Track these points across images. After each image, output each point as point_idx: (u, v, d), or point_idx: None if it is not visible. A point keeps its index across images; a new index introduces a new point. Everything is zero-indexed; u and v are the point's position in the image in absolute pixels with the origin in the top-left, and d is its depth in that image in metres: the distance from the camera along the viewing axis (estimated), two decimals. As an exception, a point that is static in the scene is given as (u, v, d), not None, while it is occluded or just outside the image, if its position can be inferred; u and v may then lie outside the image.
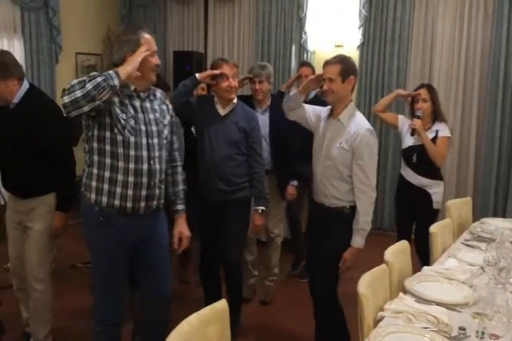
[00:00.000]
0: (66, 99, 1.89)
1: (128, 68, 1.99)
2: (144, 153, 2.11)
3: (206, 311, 1.53)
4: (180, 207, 2.36)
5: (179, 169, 2.40)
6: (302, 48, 5.60)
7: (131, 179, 2.08)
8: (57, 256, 2.88)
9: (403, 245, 2.33)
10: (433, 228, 2.60)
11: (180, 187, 2.38)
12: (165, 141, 2.23)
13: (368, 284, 1.83)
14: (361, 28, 5.25)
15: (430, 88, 3.26)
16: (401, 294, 1.96)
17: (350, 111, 2.45)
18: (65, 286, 3.60)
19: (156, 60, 2.18)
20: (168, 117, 2.28)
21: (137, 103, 2.16)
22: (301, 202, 3.94)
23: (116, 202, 2.09)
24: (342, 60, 2.40)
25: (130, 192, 2.09)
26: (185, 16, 6.38)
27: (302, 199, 3.89)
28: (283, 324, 3.29)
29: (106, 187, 2.07)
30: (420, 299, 1.95)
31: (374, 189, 2.41)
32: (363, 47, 5.30)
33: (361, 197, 2.39)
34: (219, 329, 1.56)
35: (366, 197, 2.39)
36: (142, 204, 2.13)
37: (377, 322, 1.79)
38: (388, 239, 4.43)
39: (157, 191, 2.18)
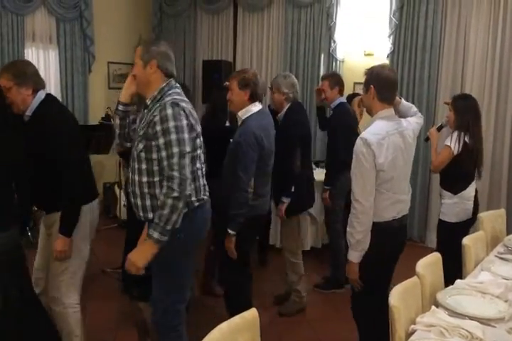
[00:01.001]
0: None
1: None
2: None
3: (237, 320, 1.54)
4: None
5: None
6: (331, 57, 5.60)
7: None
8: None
9: (435, 257, 2.28)
10: (466, 240, 2.54)
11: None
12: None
13: (399, 296, 1.80)
14: (391, 37, 5.22)
15: (454, 98, 3.31)
16: (433, 307, 1.91)
17: (371, 123, 2.39)
18: (95, 291, 3.67)
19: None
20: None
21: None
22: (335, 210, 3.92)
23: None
24: (367, 72, 2.40)
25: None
26: (214, 26, 6.46)
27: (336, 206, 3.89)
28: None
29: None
30: (453, 313, 1.90)
31: (357, 200, 2.25)
32: (393, 55, 5.26)
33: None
34: (249, 338, 1.56)
35: (352, 208, 2.30)
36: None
37: (409, 335, 1.76)
38: (417, 250, 4.42)
39: None
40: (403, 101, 2.58)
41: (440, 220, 3.29)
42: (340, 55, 5.58)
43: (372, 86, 2.33)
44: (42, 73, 2.55)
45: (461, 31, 4.92)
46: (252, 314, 1.59)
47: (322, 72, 5.60)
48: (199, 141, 2.17)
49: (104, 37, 6.12)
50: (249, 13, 6.16)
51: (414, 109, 2.61)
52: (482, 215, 3.09)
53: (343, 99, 3.93)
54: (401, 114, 2.49)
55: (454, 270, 2.77)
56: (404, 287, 1.88)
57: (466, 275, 2.44)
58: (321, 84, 3.97)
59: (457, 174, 3.17)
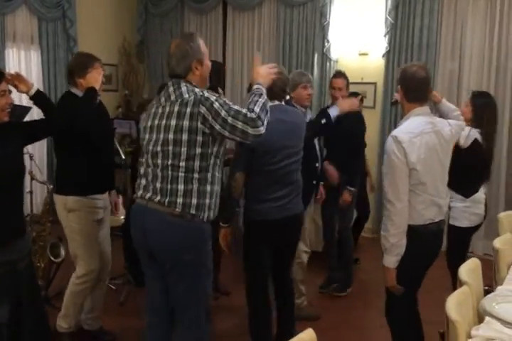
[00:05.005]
0: (262, 129, 1.99)
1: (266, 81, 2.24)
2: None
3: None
4: None
5: None
6: (325, 57, 5.49)
7: (218, 187, 2.15)
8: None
9: (475, 263, 2.17)
10: (497, 243, 2.44)
11: None
12: None
13: (456, 309, 1.68)
14: (387, 36, 5.14)
15: (474, 94, 3.24)
16: (487, 318, 1.80)
17: (404, 123, 2.29)
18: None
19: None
20: None
21: None
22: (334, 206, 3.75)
23: (215, 212, 2.16)
24: (399, 71, 2.36)
25: (217, 200, 2.16)
26: (203, 26, 6.28)
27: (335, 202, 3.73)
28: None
29: (213, 200, 2.13)
30: (507, 323, 1.79)
31: (389, 201, 2.17)
32: (388, 55, 5.18)
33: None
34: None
35: (384, 210, 2.22)
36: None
37: (468, 350, 1.64)
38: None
39: None
40: (444, 100, 2.48)
41: (451, 225, 3.12)
42: (334, 54, 5.47)
43: (399, 86, 2.30)
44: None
45: (457, 30, 4.88)
46: (309, 335, 1.44)
47: (316, 73, 5.49)
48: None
49: (87, 37, 5.88)
50: (239, 13, 6.01)
51: (456, 112, 2.52)
52: (501, 216, 3.01)
53: None
54: (441, 114, 2.39)
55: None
56: (458, 298, 1.76)
57: (500, 279, 2.34)
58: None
59: (470, 176, 3.04)
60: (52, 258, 3.34)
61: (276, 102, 2.59)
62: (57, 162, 2.92)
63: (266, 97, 2.07)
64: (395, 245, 2.17)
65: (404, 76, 2.27)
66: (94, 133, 2.69)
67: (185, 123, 1.99)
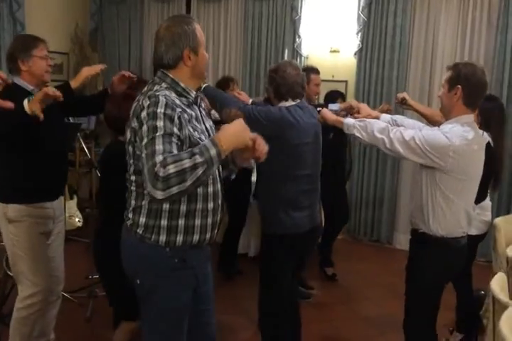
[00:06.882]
0: (159, 194, 1.44)
1: (232, 145, 1.55)
2: (215, 171, 1.73)
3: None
4: None
5: None
6: (295, 53, 5.31)
7: (210, 205, 1.70)
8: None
9: (503, 276, 2.06)
10: (498, 220, 2.38)
11: None
12: None
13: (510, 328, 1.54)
14: (359, 34, 5.04)
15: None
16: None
17: (449, 126, 2.11)
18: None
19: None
20: None
21: (196, 111, 1.77)
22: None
23: (195, 237, 1.70)
24: (455, 67, 2.12)
25: (209, 220, 1.71)
26: (164, 15, 5.90)
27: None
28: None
29: (182, 222, 1.68)
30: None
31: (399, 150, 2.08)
32: (360, 53, 5.09)
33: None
34: None
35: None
36: (216, 231, 1.78)
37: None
38: (386, 252, 4.31)
39: None
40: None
41: None
42: (305, 51, 5.31)
43: (460, 86, 2.07)
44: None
45: (429, 30, 4.87)
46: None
47: (285, 69, 5.30)
48: None
49: (36, 23, 5.34)
50: (204, 4, 5.69)
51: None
52: (497, 221, 2.94)
53: None
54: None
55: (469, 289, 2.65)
56: (507, 316, 1.62)
57: (497, 257, 2.27)
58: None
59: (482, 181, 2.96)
60: (8, 272, 2.93)
61: (291, 102, 2.40)
62: None
63: (207, 166, 1.48)
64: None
65: (471, 78, 2.07)
66: (34, 131, 2.20)
67: (127, 134, 1.68)
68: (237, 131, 1.56)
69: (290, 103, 2.38)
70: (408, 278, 2.23)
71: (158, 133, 1.51)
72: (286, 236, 2.32)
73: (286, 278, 2.41)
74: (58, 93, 2.04)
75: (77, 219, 4.76)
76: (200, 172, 1.45)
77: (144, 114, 1.56)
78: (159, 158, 1.45)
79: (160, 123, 1.53)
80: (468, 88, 2.06)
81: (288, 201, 2.31)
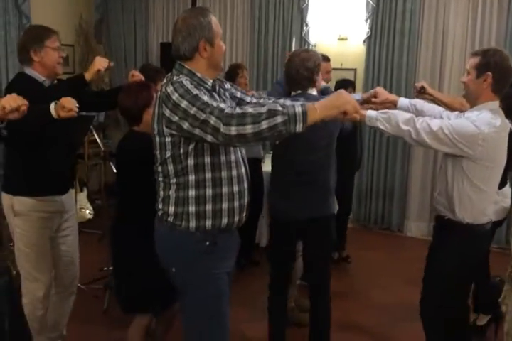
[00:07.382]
0: (233, 130, 1.50)
1: (327, 113, 1.54)
2: (238, 154, 1.79)
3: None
4: None
5: None
6: (303, 41, 5.25)
7: (236, 188, 1.74)
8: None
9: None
10: None
11: None
12: None
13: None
14: (368, 21, 4.97)
15: None
16: None
17: (475, 113, 2.07)
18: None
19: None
20: None
21: (216, 97, 1.79)
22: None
23: (224, 220, 1.76)
24: (484, 53, 2.07)
25: (236, 203, 1.76)
26: (169, 6, 5.85)
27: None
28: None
29: (209, 207, 1.73)
30: None
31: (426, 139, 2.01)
32: (369, 40, 5.02)
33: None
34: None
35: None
36: (244, 214, 1.82)
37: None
38: (397, 240, 4.25)
39: None
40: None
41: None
42: (312, 39, 5.26)
43: (490, 73, 2.04)
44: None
45: (440, 15, 4.79)
46: None
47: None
48: None
49: (42, 15, 5.30)
50: (210, -7, 5.64)
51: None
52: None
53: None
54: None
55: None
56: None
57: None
58: None
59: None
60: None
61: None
62: (4, 154, 2.48)
63: (287, 118, 1.50)
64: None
65: (501, 64, 2.04)
66: (51, 126, 2.17)
67: (154, 126, 1.72)
68: (339, 104, 1.56)
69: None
70: (431, 266, 2.21)
71: (202, 100, 1.58)
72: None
73: None
74: (75, 108, 2.05)
75: (87, 211, 4.75)
76: (279, 120, 1.47)
77: (175, 96, 1.62)
78: (229, 109, 1.55)
79: (198, 93, 1.60)
80: (498, 75, 2.04)
81: None
